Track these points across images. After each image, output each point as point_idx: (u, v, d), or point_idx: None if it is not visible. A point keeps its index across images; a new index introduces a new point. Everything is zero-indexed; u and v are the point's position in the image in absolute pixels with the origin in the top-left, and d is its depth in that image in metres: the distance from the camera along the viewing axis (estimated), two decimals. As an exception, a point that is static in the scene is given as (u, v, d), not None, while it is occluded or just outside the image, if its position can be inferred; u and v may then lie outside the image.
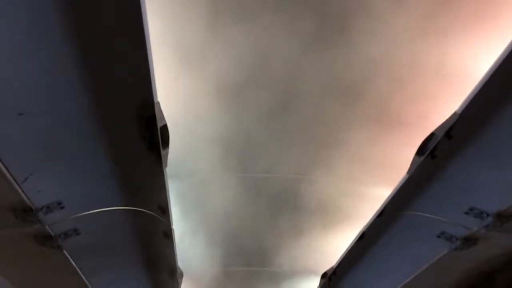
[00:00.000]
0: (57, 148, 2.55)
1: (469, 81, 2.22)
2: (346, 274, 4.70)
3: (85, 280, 4.10)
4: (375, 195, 3.55)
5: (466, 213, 3.02)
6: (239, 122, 3.28)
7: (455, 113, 2.29)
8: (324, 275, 4.97)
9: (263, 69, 2.87)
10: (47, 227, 3.08)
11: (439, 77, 2.82)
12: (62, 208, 2.96)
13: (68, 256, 3.57)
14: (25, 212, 2.84)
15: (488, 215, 2.95)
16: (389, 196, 3.11)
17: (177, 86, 2.94)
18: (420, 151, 2.60)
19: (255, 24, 2.62)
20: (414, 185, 2.92)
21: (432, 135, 2.49)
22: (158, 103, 2.34)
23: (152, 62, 2.06)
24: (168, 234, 3.80)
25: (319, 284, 5.15)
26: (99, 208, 3.19)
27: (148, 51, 1.99)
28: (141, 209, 3.38)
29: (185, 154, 3.45)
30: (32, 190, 2.69)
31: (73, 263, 3.70)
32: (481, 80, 2.10)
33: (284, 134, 3.37)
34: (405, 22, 2.53)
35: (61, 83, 2.15)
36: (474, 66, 2.47)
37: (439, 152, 2.58)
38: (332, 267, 4.75)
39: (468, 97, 2.20)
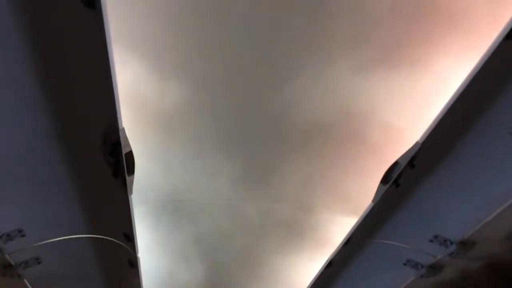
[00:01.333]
0: (19, 174, 2.49)
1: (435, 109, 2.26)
2: (314, 302, 4.66)
3: (46, 310, 3.96)
4: (345, 223, 3.57)
5: (431, 240, 3.04)
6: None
7: (417, 143, 2.33)
8: (293, 304, 4.92)
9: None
10: (7, 256, 2.99)
11: (405, 105, 2.88)
12: (23, 236, 2.87)
13: (29, 286, 3.46)
14: (-17, 241, 2.75)
15: (452, 243, 2.98)
16: (355, 224, 3.12)
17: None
18: (385, 180, 2.63)
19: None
20: (379, 213, 2.94)
21: (395, 163, 2.52)
22: (123, 129, 2.32)
23: (117, 87, 2.05)
24: (133, 263, 3.71)
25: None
26: (62, 236, 3.11)
27: (112, 77, 1.98)
28: (106, 237, 3.31)
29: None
30: (-9, 217, 2.61)
31: (34, 293, 3.58)
32: (442, 110, 2.14)
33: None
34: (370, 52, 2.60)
35: (23, 107, 2.12)
36: (435, 96, 2.53)
37: (403, 181, 2.60)
38: (300, 296, 4.71)
39: (430, 126, 2.23)
